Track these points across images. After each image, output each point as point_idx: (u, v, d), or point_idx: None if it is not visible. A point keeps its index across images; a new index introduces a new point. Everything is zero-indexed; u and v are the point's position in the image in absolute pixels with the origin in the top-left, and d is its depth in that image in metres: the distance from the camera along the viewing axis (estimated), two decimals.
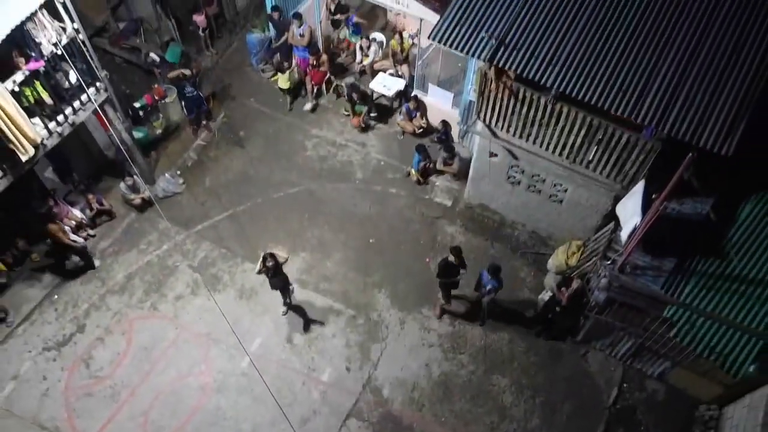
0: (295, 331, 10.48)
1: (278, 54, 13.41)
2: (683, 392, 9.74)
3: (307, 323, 10.53)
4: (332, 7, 13.73)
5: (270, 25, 13.40)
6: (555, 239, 11.23)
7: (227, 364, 10.12)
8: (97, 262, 11.10)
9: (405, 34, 13.06)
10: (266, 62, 13.95)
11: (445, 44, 8.62)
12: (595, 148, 9.10)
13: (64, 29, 9.08)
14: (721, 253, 8.61)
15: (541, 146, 9.69)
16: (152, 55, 13.67)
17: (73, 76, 9.59)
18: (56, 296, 10.79)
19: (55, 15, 8.95)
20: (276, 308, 10.59)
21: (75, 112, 9.94)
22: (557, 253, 10.39)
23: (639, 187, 8.65)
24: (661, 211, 7.55)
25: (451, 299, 10.46)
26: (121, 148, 10.17)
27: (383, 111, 13.34)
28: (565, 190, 10.35)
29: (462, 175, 11.97)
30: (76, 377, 9.96)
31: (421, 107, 12.60)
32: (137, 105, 12.69)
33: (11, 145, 8.94)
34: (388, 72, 13.17)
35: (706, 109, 7.59)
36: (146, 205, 11.70)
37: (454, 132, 12.36)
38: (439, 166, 12.18)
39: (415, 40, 12.60)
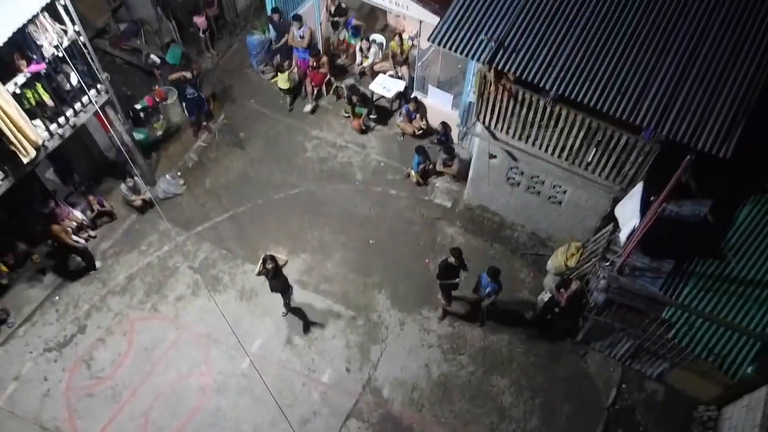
0: (296, 332, 10.51)
1: (278, 55, 13.46)
2: (682, 393, 9.78)
3: (307, 324, 10.57)
4: (332, 9, 13.76)
5: (270, 26, 13.44)
6: (554, 240, 11.27)
7: (227, 364, 10.15)
8: (98, 263, 11.14)
9: (405, 36, 13.10)
10: (266, 64, 13.99)
11: (444, 47, 8.64)
12: (594, 149, 9.13)
13: (65, 31, 9.10)
14: (720, 254, 8.65)
15: (540, 148, 9.72)
16: (153, 56, 13.70)
17: (74, 78, 9.61)
18: (57, 297, 10.83)
19: (57, 17, 8.98)
20: (276, 309, 10.63)
21: (76, 113, 9.97)
22: (556, 254, 10.43)
23: (638, 189, 8.69)
24: (660, 213, 7.59)
25: (452, 300, 10.48)
26: (122, 149, 10.18)
27: (383, 112, 13.37)
28: (565, 192, 10.38)
29: (462, 176, 12.00)
30: (77, 378, 10.00)
31: (420, 109, 12.64)
32: (138, 106, 12.72)
33: (13, 147, 8.96)
34: (387, 73, 13.20)
35: (704, 111, 7.62)
36: (147, 206, 11.74)
37: (454, 133, 12.39)
38: (439, 167, 12.20)
39: (415, 42, 12.63)
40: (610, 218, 9.71)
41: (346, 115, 13.24)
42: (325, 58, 13.15)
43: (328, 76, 13.43)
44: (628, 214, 8.67)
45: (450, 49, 8.61)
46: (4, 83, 8.63)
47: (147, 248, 11.45)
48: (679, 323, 8.61)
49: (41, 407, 9.68)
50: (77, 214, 11.32)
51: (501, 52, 8.32)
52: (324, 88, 13.53)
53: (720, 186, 8.77)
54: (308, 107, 13.43)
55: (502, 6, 8.63)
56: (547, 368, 10.22)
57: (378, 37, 13.69)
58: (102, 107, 10.19)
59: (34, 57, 9.05)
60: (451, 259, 9.54)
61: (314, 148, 12.89)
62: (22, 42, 8.87)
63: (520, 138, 9.81)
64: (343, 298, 10.90)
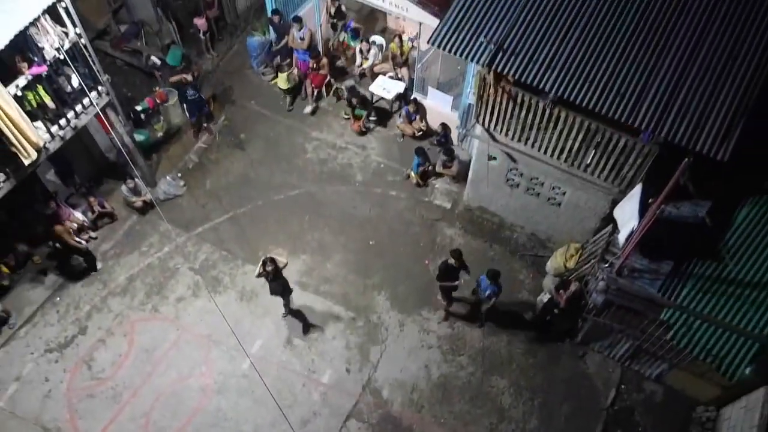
0: (296, 333, 10.54)
1: (278, 57, 13.50)
2: (681, 393, 9.81)
3: (307, 326, 10.59)
4: (332, 11, 13.79)
5: (270, 28, 13.46)
6: (553, 241, 11.30)
7: (228, 365, 10.18)
8: (99, 265, 11.17)
9: (404, 37, 13.13)
10: (266, 65, 14.02)
11: (444, 49, 8.68)
12: (593, 151, 9.17)
13: (66, 34, 9.14)
14: (718, 256, 8.68)
15: (539, 150, 9.75)
16: (153, 58, 13.73)
17: (75, 80, 9.65)
18: (58, 298, 10.86)
19: (58, 20, 9.01)
20: (276, 310, 10.66)
21: (77, 115, 10.00)
22: (556, 255, 10.46)
23: (636, 191, 8.72)
24: (658, 214, 7.62)
25: (452, 301, 10.51)
26: (123, 150, 10.21)
27: (383, 114, 13.40)
28: (564, 193, 10.41)
29: (461, 177, 12.03)
30: (78, 379, 10.03)
31: (420, 110, 12.67)
32: (139, 108, 12.74)
33: (14, 149, 8.99)
34: (387, 75, 13.23)
35: (702, 113, 7.66)
36: (147, 207, 11.76)
37: (454, 135, 12.42)
38: (439, 168, 12.23)
39: (415, 43, 12.66)
40: (609, 220, 9.74)
41: (346, 117, 13.27)
42: (325, 60, 13.18)
43: (328, 78, 13.46)
44: (627, 215, 8.70)
45: (449, 51, 8.65)
46: (5, 85, 8.66)
47: (147, 249, 11.48)
48: (678, 324, 8.63)
49: (42, 408, 9.72)
50: (78, 215, 11.34)
51: (500, 54, 8.36)
52: (324, 89, 13.55)
53: (718, 188, 8.80)
54: (308, 109, 13.46)
55: (501, 9, 8.67)
56: (546, 369, 10.26)
57: (378, 39, 13.71)
58: (103, 109, 10.23)
59: (36, 59, 9.08)
60: (451, 261, 9.57)
61: (314, 150, 12.93)
62: (24, 44, 8.90)
63: (519, 140, 9.85)
64: (342, 299, 10.93)
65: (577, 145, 9.23)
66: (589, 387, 10.09)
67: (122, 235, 11.68)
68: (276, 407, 8.50)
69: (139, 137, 12.24)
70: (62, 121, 9.80)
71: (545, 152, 9.71)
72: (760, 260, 8.35)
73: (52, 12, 8.85)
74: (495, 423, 9.73)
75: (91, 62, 9.65)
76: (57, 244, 10.83)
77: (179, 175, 12.43)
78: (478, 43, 8.48)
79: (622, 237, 8.80)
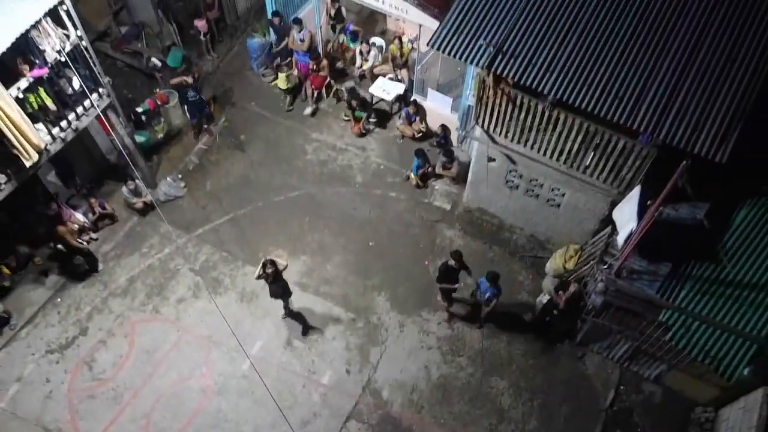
0: (296, 335, 10.57)
1: (278, 58, 13.53)
2: (679, 394, 9.84)
3: (307, 327, 10.62)
4: (332, 13, 13.83)
5: (270, 29, 13.50)
6: (553, 243, 11.33)
7: (228, 366, 10.21)
8: (100, 266, 11.20)
9: (404, 39, 13.16)
10: (267, 66, 14.05)
11: (443, 51, 8.72)
12: (592, 153, 9.20)
13: (67, 36, 9.18)
14: (716, 258, 8.71)
15: (538, 151, 9.78)
16: (154, 59, 13.76)
17: (76, 82, 9.68)
18: (59, 299, 10.89)
19: (59, 22, 9.04)
20: (276, 311, 10.68)
21: (78, 117, 10.04)
22: (555, 256, 10.50)
23: (635, 192, 8.74)
24: (657, 216, 7.65)
25: (453, 301, 10.53)
26: (123, 152, 10.26)
27: (383, 115, 13.43)
28: (563, 195, 10.45)
29: (461, 179, 12.06)
30: (78, 379, 10.06)
31: (420, 111, 12.70)
32: (139, 109, 12.76)
33: (15, 151, 9.03)
34: (387, 76, 13.26)
35: (700, 116, 7.70)
36: (148, 208, 11.80)
37: (453, 136, 12.46)
38: (439, 170, 12.25)
39: (415, 45, 12.70)
40: (608, 221, 9.77)
41: (347, 118, 13.30)
42: (325, 62, 13.21)
43: (328, 79, 13.50)
44: (626, 217, 8.73)
45: (449, 54, 8.69)
46: (7, 87, 8.70)
47: (148, 250, 11.51)
48: (676, 326, 8.66)
49: (43, 409, 9.75)
50: (79, 216, 11.37)
51: (500, 57, 8.40)
52: (324, 91, 13.59)
53: (716, 190, 8.84)
54: (308, 110, 13.49)
55: (500, 11, 8.71)
56: (545, 370, 10.29)
57: (378, 40, 13.74)
58: (104, 111, 10.27)
59: (37, 61, 9.12)
60: (451, 262, 9.60)
61: (314, 151, 12.96)
62: (25, 47, 8.94)
63: (518, 141, 9.87)
64: (342, 300, 10.96)
65: (576, 147, 9.26)
66: (588, 388, 10.13)
67: (123, 236, 11.71)
68: (276, 408, 8.53)
69: (139, 139, 12.27)
70: (63, 123, 9.83)
71: (544, 154, 9.74)
72: (758, 262, 8.39)
73: (53, 14, 8.88)
74: (494, 424, 9.77)
75: (91, 64, 9.69)
76: (59, 245, 10.86)
77: (180, 176, 12.46)
78: (477, 46, 8.52)
79: (620, 238, 8.84)
